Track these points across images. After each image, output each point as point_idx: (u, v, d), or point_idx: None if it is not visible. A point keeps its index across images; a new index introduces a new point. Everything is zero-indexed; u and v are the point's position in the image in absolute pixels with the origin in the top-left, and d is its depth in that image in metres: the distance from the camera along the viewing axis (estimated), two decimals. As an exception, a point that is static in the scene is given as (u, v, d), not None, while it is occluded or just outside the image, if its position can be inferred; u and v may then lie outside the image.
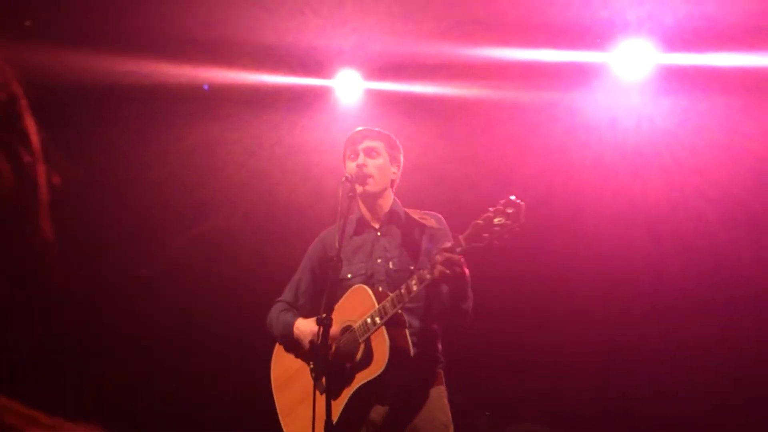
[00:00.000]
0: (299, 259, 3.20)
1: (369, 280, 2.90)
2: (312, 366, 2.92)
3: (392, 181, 3.07)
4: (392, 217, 3.03)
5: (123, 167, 4.60)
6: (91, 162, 4.22)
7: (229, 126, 4.81)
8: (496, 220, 2.52)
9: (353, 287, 2.87)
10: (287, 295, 3.16)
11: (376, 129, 3.09)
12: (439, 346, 2.94)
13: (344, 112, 4.86)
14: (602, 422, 4.51)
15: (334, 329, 2.72)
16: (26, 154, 0.63)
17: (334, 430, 2.60)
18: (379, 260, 2.95)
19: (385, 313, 2.68)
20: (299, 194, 4.81)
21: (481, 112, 4.71)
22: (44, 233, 0.65)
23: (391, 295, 2.71)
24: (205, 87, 4.78)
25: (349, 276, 2.93)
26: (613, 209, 4.56)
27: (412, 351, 2.75)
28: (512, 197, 2.53)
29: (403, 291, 2.67)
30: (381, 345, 2.69)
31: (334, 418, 2.69)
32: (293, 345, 3.02)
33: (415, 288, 2.65)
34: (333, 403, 2.67)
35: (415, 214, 3.00)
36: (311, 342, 2.73)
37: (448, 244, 2.59)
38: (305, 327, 2.92)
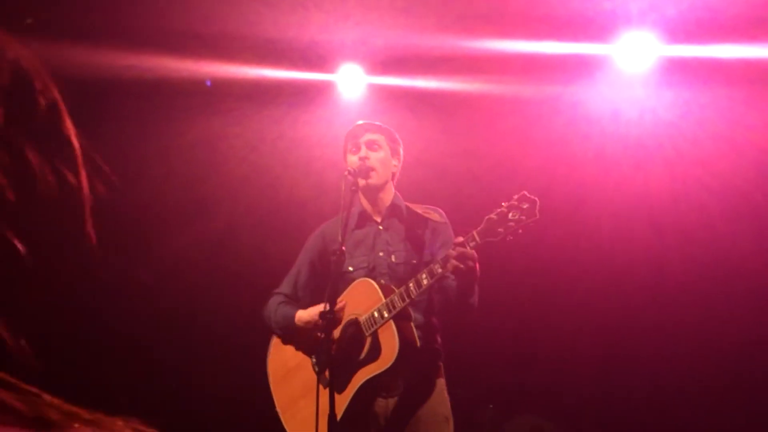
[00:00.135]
0: (300, 253, 3.20)
1: (371, 274, 2.91)
2: (314, 360, 2.92)
3: (393, 175, 3.08)
4: (394, 210, 3.04)
5: (124, 162, 4.60)
6: (91, 157, 4.21)
7: (231, 120, 4.81)
8: (510, 215, 2.56)
9: (357, 281, 2.88)
10: (285, 287, 3.14)
11: (377, 123, 3.10)
12: (439, 339, 2.96)
13: (346, 107, 4.85)
14: (604, 414, 4.52)
15: (338, 323, 2.73)
16: (68, 161, 0.63)
17: (340, 424, 2.62)
18: (381, 253, 2.95)
19: (394, 308, 2.69)
20: (301, 188, 4.81)
21: (484, 106, 4.70)
22: (89, 240, 0.65)
23: (399, 289, 2.71)
24: (208, 83, 4.77)
25: (351, 269, 2.94)
26: (616, 201, 4.56)
27: (418, 344, 2.76)
28: (525, 192, 2.58)
29: (412, 285, 2.68)
30: (389, 338, 2.70)
31: (339, 412, 2.70)
32: (293, 338, 3.02)
33: (425, 282, 2.66)
34: (337, 396, 2.68)
35: (419, 208, 3.02)
36: (314, 335, 2.72)
37: (461, 239, 2.61)
38: (307, 317, 2.92)
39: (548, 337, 4.54)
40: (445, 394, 2.92)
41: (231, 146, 4.87)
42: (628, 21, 4.30)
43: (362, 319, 2.78)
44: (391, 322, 2.70)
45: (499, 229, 2.57)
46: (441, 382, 2.92)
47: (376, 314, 2.73)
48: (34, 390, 0.54)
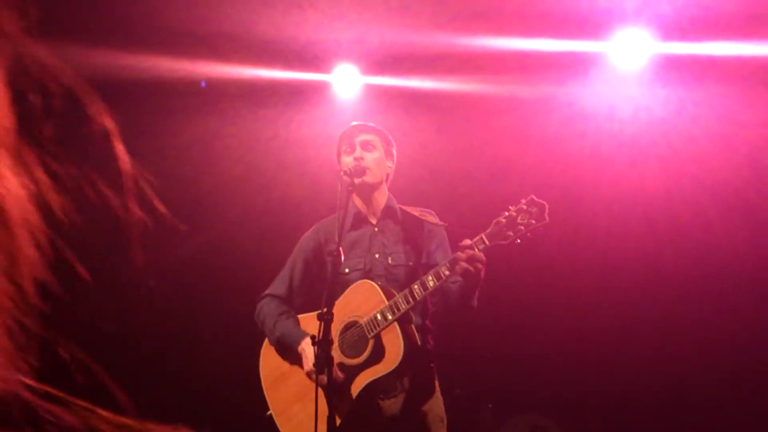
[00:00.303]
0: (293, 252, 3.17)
1: (367, 275, 2.90)
2: (312, 362, 2.90)
3: (387, 176, 3.07)
4: (388, 212, 3.04)
5: (118, 163, 4.58)
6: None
7: (226, 120, 4.80)
8: (519, 219, 2.58)
9: (358, 282, 2.86)
10: (279, 288, 3.08)
11: (371, 124, 3.10)
12: (431, 341, 2.95)
13: (342, 107, 4.85)
14: (602, 412, 4.54)
15: (336, 325, 2.73)
16: (119, 187, 0.65)
17: (340, 426, 2.61)
18: (377, 255, 2.95)
19: (398, 310, 2.68)
20: (296, 188, 4.80)
21: (479, 105, 4.71)
22: (136, 264, 0.67)
23: (403, 291, 2.71)
24: (203, 84, 4.76)
25: (347, 271, 2.92)
26: (610, 198, 4.58)
27: (420, 346, 2.77)
28: (533, 197, 2.61)
29: (417, 287, 2.68)
30: (394, 340, 2.69)
31: (341, 414, 2.70)
32: (288, 354, 2.97)
33: (431, 284, 2.66)
34: (339, 399, 2.67)
35: (415, 211, 3.01)
36: (312, 338, 2.71)
37: (469, 241, 2.62)
38: (311, 353, 2.78)
39: (545, 334, 4.55)
40: (440, 395, 2.93)
41: (226, 146, 4.86)
42: (622, 18, 4.31)
43: (364, 321, 2.77)
44: (395, 324, 2.70)
45: (509, 233, 2.60)
46: (436, 384, 2.93)
47: (379, 316, 2.72)
48: (85, 404, 0.55)
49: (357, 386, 2.75)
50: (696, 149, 4.48)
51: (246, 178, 4.85)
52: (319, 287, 2.97)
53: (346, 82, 4.87)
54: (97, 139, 0.64)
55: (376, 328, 2.72)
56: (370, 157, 2.98)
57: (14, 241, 0.55)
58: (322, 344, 2.55)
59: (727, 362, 4.30)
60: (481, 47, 4.41)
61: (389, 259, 2.93)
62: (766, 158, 4.34)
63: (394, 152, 3.11)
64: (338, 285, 2.86)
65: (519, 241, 2.60)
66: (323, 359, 2.56)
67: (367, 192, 3.01)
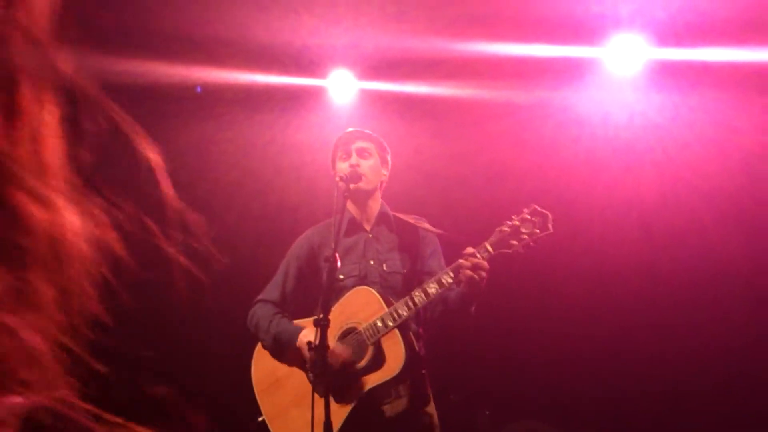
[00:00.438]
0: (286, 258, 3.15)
1: (362, 282, 2.89)
2: (309, 368, 2.89)
3: (381, 183, 3.08)
4: (382, 218, 3.04)
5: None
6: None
7: (221, 126, 4.79)
8: (523, 228, 2.59)
9: (356, 288, 2.86)
10: (272, 293, 3.06)
11: (366, 131, 3.10)
12: (423, 348, 2.94)
13: (337, 112, 4.85)
14: (600, 418, 4.53)
15: (333, 331, 2.72)
16: (164, 224, 0.65)
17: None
18: (372, 262, 2.95)
19: (399, 317, 2.68)
20: (292, 193, 4.79)
21: (474, 110, 4.71)
22: (179, 300, 0.67)
23: (404, 298, 2.71)
24: (198, 89, 4.75)
25: (341, 277, 2.92)
26: (605, 204, 4.58)
27: (417, 353, 2.77)
28: (536, 206, 2.61)
29: (418, 294, 2.68)
30: (394, 346, 2.69)
31: (339, 420, 2.69)
32: (285, 352, 2.97)
33: (433, 291, 2.66)
34: (336, 405, 2.66)
35: (409, 218, 3.01)
36: (309, 344, 2.69)
37: (472, 249, 2.62)
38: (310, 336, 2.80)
39: (542, 340, 4.54)
40: (433, 403, 2.92)
41: (222, 151, 4.85)
42: (617, 24, 4.33)
43: (363, 327, 2.76)
44: (396, 330, 2.70)
45: (513, 242, 2.62)
46: (429, 391, 2.93)
47: (379, 323, 2.72)
48: (121, 421, 0.54)
49: (357, 392, 2.74)
50: (691, 154, 4.49)
51: (242, 183, 4.84)
52: (313, 293, 2.96)
53: (342, 88, 4.88)
54: (143, 173, 0.64)
55: (376, 335, 2.72)
56: (366, 164, 2.99)
57: (69, 275, 0.55)
58: (319, 350, 2.55)
59: (723, 367, 4.29)
60: (477, 53, 4.42)
61: (384, 265, 2.93)
62: (760, 164, 4.35)
63: (389, 160, 3.12)
64: (333, 291, 2.85)
65: (522, 250, 2.62)
66: (321, 366, 2.55)
67: (361, 198, 3.01)
